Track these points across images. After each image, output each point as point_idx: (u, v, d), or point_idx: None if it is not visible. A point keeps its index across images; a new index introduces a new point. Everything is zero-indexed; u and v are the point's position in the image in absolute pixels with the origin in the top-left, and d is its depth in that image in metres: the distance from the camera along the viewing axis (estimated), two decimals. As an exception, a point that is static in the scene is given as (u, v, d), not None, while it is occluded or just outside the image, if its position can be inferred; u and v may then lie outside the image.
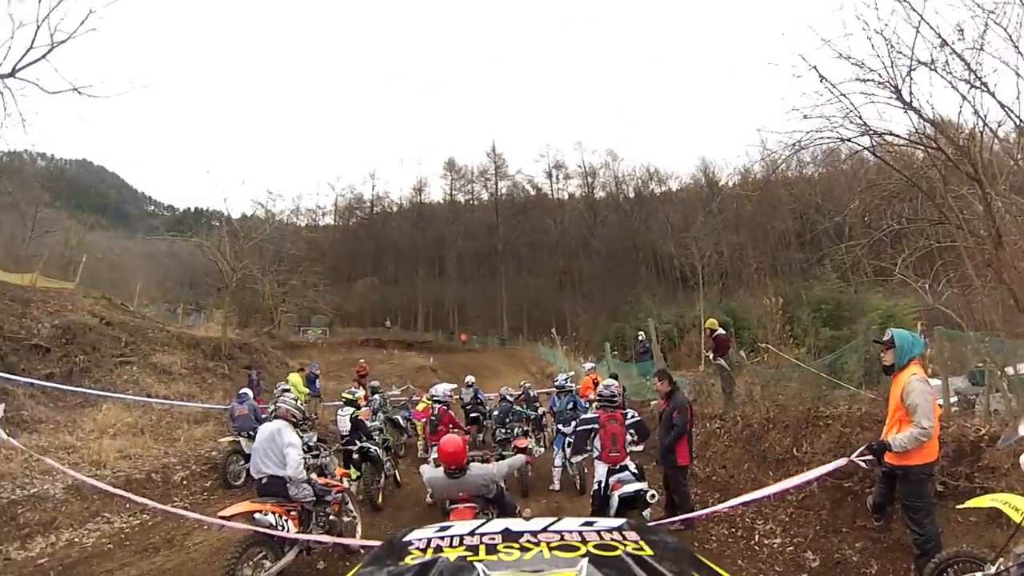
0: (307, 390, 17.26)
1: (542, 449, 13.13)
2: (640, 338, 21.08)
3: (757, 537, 7.12)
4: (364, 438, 10.45)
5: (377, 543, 6.61)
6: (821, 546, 6.35)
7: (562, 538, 1.58)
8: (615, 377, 12.24)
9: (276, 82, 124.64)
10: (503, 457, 10.35)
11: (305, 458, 7.24)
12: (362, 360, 27.02)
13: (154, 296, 37.08)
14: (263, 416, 11.28)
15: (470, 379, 16.42)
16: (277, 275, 29.56)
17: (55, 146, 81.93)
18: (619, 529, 1.70)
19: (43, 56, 13.09)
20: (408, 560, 1.48)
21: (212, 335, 21.80)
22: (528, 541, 1.55)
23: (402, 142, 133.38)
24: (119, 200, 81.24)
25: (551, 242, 75.75)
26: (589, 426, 7.21)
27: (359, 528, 7.85)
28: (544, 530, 1.63)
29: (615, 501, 6.44)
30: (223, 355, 19.65)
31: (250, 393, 12.74)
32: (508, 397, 13.00)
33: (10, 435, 8.60)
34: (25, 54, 12.99)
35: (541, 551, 1.49)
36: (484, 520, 1.78)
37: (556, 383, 13.23)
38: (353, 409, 10.72)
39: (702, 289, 43.56)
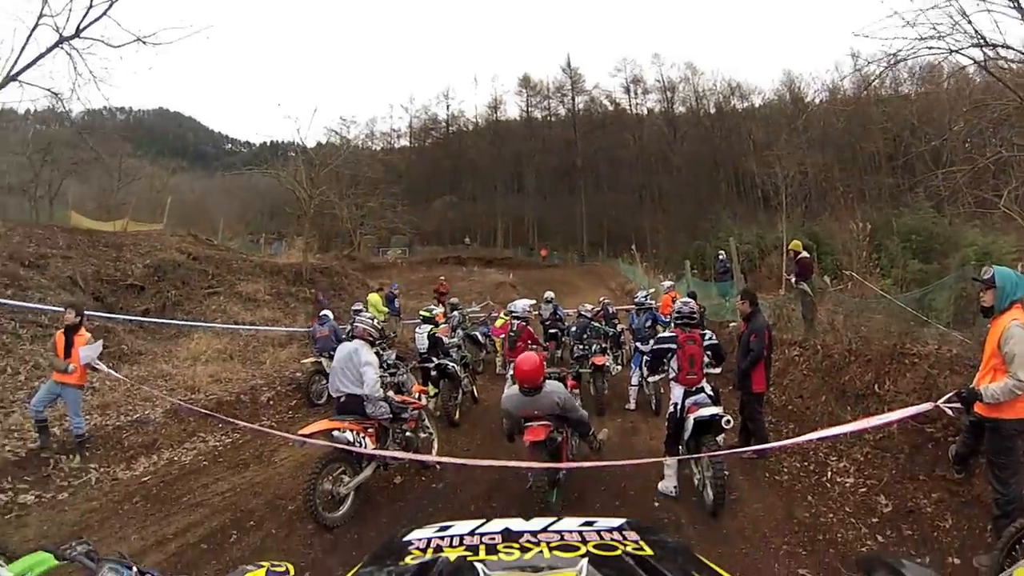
0: (386, 309, 17.63)
1: (619, 367, 13.04)
2: (720, 257, 20.39)
3: (829, 474, 6.85)
4: (442, 355, 10.53)
5: (452, 460, 6.78)
6: (895, 491, 6.01)
7: (562, 538, 1.60)
8: (693, 296, 11.85)
9: (340, 6, 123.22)
10: (580, 375, 10.34)
11: (383, 376, 7.39)
12: (442, 278, 27.33)
13: (237, 229, 38.37)
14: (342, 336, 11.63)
15: (549, 295, 16.31)
16: (355, 199, 30.06)
17: (131, 98, 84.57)
18: (619, 529, 1.71)
19: (104, 12, 13.17)
20: (408, 560, 1.50)
21: (293, 261, 22.62)
22: (528, 541, 1.57)
23: (475, 60, 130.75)
24: (197, 142, 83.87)
25: (630, 158, 73.46)
26: (666, 345, 6.88)
27: (435, 444, 8.04)
28: (544, 530, 1.65)
29: (690, 424, 6.29)
30: (304, 280, 20.29)
31: (330, 315, 13.03)
32: (586, 313, 12.81)
33: (112, 368, 9.27)
34: (86, 13, 13.12)
35: (541, 551, 1.50)
36: (484, 520, 1.85)
37: (635, 300, 12.95)
38: (431, 327, 10.76)
39: (784, 210, 41.27)
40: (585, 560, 1.37)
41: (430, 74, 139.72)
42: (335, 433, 6.22)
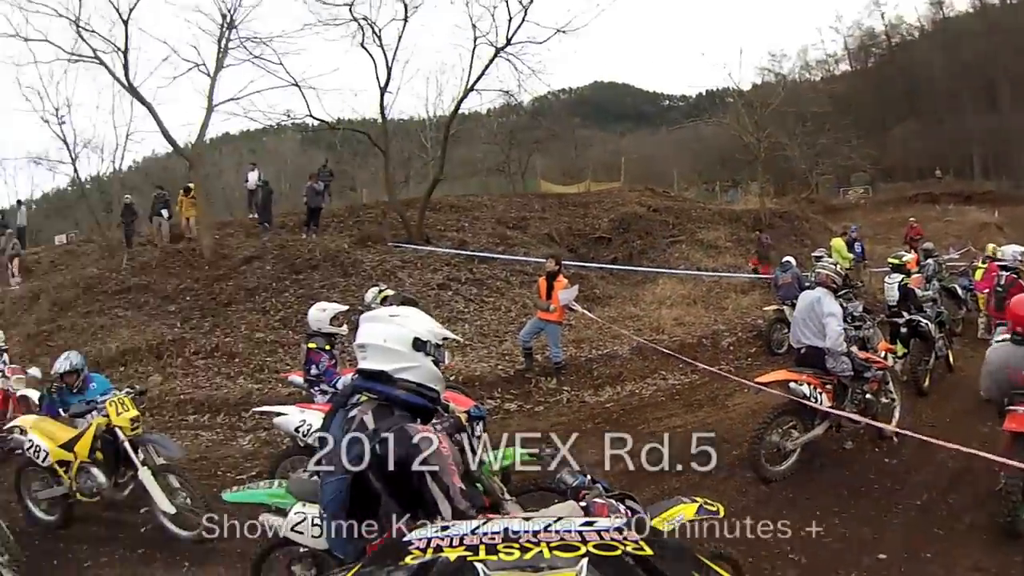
0: (850, 255, 16.42)
1: None
2: None
3: None
4: (914, 310, 9.29)
5: (913, 434, 5.98)
6: None
7: (562, 538, 1.53)
8: None
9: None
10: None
11: (846, 329, 6.90)
12: (912, 219, 23.76)
13: (691, 179, 39.90)
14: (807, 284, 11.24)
15: (1045, 241, 13.16)
16: (804, 137, 28.74)
17: (569, 79, 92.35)
18: (619, 529, 1.59)
19: (523, 20, 15.88)
20: (408, 560, 1.50)
21: (751, 207, 22.54)
22: (528, 541, 1.52)
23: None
24: (635, 104, 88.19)
25: None
26: None
27: (897, 412, 7.13)
28: (544, 530, 1.58)
29: None
30: (764, 225, 19.89)
31: (793, 261, 12.64)
32: None
33: (586, 309, 11.02)
34: (509, 24, 16.06)
35: (541, 551, 1.45)
36: (483, 520, 1.75)
37: None
38: (902, 276, 9.54)
39: None
40: (585, 560, 1.33)
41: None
42: (792, 385, 6.06)
